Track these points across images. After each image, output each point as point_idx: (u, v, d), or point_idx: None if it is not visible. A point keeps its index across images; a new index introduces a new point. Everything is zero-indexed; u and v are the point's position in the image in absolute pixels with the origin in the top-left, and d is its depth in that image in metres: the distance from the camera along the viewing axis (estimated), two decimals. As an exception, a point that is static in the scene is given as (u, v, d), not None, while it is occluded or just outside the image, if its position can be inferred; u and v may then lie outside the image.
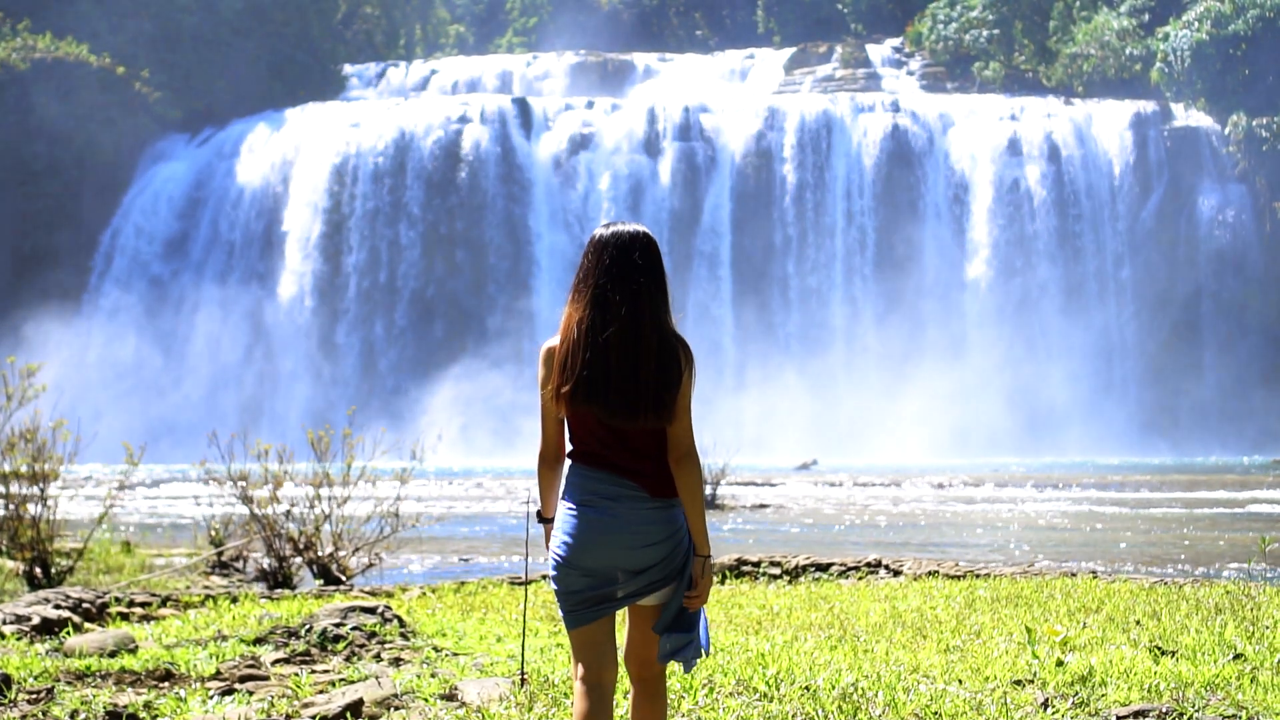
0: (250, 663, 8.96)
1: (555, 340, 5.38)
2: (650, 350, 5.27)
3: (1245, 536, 21.75)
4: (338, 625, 9.85)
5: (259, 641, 9.70)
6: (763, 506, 29.25)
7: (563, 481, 5.48)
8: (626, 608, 5.40)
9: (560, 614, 5.48)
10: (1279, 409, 54.77)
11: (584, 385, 5.25)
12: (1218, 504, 28.89)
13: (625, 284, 5.29)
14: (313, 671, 8.79)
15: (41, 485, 15.59)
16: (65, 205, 59.08)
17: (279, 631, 9.89)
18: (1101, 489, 33.97)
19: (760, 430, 49.98)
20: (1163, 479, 37.98)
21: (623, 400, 5.24)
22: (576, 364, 5.25)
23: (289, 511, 15.80)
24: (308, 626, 9.89)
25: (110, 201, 59.61)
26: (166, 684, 8.49)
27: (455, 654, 9.17)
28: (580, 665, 5.32)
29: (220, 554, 17.40)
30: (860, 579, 13.30)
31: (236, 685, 8.38)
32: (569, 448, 5.43)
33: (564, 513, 5.35)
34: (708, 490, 28.50)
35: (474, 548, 21.53)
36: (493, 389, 54.06)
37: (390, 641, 9.65)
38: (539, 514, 5.56)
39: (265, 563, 16.08)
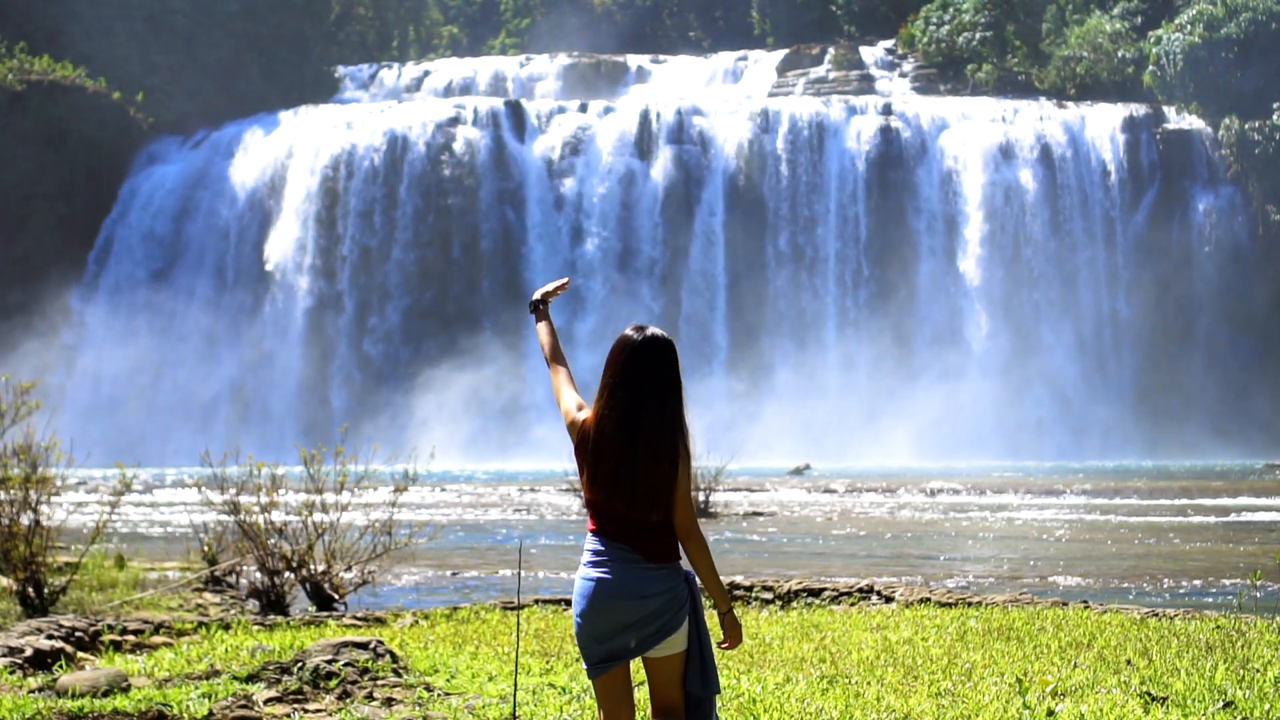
0: (243, 703, 8.97)
1: (581, 416, 6.01)
2: (671, 459, 5.88)
3: (1238, 548, 21.82)
4: (330, 661, 9.85)
5: (251, 678, 9.70)
6: (756, 514, 29.25)
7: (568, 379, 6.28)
8: (643, 663, 6.01)
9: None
10: (1273, 412, 54.84)
11: (611, 483, 5.89)
12: (1210, 511, 28.95)
13: (652, 398, 5.89)
14: (305, 712, 8.81)
15: (34, 503, 15.57)
16: (58, 207, 59.01)
17: (271, 667, 9.89)
18: (1094, 496, 33.98)
19: (753, 434, 49.98)
20: (1155, 484, 38.02)
21: (649, 498, 5.87)
22: (605, 467, 5.89)
23: (281, 530, 15.79)
24: (300, 663, 9.89)
25: (103, 204, 59.54)
26: (159, 726, 8.49)
27: (447, 694, 9.18)
28: (602, 711, 6.03)
29: (213, 572, 17.42)
30: (852, 604, 13.32)
31: (229, 728, 8.39)
32: (589, 522, 6.06)
33: (578, 580, 6.01)
34: (701, 497, 28.55)
35: (466, 561, 21.57)
36: (487, 392, 54.06)
37: (383, 678, 9.67)
38: (533, 304, 6.48)
39: (258, 579, 16.07)
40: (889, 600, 13.30)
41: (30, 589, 15.21)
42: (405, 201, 58.25)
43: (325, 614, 13.91)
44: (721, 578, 14.09)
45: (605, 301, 55.36)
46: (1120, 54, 62.76)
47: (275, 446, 27.52)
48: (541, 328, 6.41)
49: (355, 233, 58.11)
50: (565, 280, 6.60)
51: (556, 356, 6.31)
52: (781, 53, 71.43)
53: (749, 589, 13.86)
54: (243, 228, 58.94)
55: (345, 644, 10.22)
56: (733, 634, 6.01)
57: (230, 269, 58.62)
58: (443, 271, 57.84)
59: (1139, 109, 59.03)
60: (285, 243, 58.26)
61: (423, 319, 57.40)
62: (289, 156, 59.28)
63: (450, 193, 58.23)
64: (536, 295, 6.48)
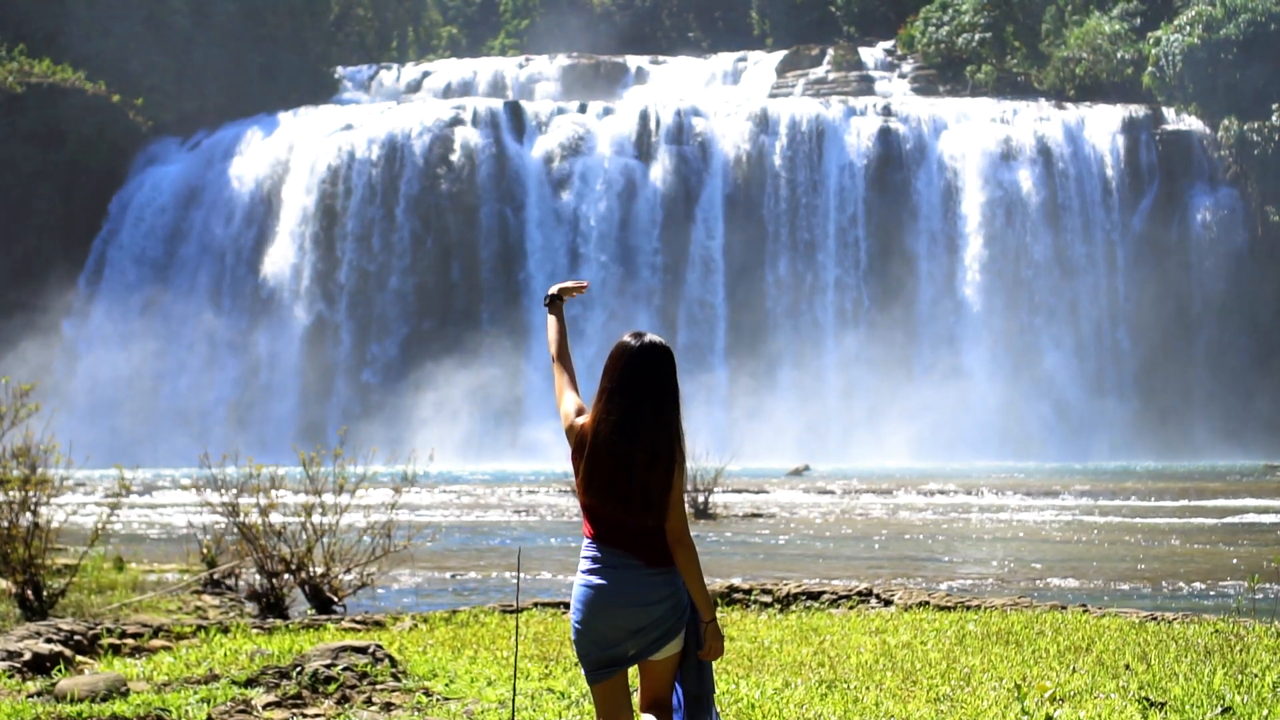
0: (241, 707, 8.97)
1: (580, 420, 6.04)
2: (667, 465, 5.90)
3: (1237, 551, 21.81)
4: (329, 666, 9.85)
5: (250, 683, 9.70)
6: (755, 516, 29.23)
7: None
8: (640, 667, 6.05)
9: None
10: (1272, 412, 54.81)
11: (608, 488, 5.92)
12: (1209, 513, 28.94)
13: (649, 404, 5.92)
14: (304, 717, 8.81)
15: (34, 505, 15.56)
16: (56, 208, 58.98)
17: (270, 671, 9.89)
18: (1093, 497, 33.97)
19: (752, 435, 49.96)
20: (1153, 486, 38.01)
21: (644, 503, 5.89)
22: (602, 472, 5.92)
23: (280, 532, 15.78)
24: (299, 667, 9.89)
25: (102, 204, 59.49)
26: (158, 731, 8.48)
27: (446, 698, 9.18)
28: (600, 716, 6.08)
29: (212, 574, 17.42)
30: (851, 607, 13.30)
31: (228, 733, 8.39)
32: (587, 528, 6.07)
33: (576, 586, 6.03)
34: (700, 498, 28.58)
35: (465, 563, 21.54)
36: (487, 393, 54.02)
37: (382, 683, 9.66)
38: (549, 299, 6.48)
39: (257, 581, 16.07)
40: (888, 603, 13.29)
41: (29, 591, 15.20)
42: (404, 202, 58.16)
43: (324, 617, 13.91)
44: (720, 580, 14.14)
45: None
46: (1120, 55, 62.76)
47: (274, 450, 27.50)
48: (552, 323, 6.42)
49: (354, 233, 58.01)
50: (585, 283, 6.60)
51: (563, 355, 6.32)
52: (781, 54, 71.42)
53: (748, 592, 13.83)
54: (241, 228, 58.82)
55: (344, 648, 10.22)
56: (714, 644, 6.00)
57: (228, 269, 58.50)
58: (442, 272, 57.72)
59: (1138, 110, 59.05)
60: (284, 243, 58.18)
61: (422, 319, 57.29)
62: (288, 157, 59.16)
63: (449, 193, 58.10)
64: (553, 290, 6.48)
